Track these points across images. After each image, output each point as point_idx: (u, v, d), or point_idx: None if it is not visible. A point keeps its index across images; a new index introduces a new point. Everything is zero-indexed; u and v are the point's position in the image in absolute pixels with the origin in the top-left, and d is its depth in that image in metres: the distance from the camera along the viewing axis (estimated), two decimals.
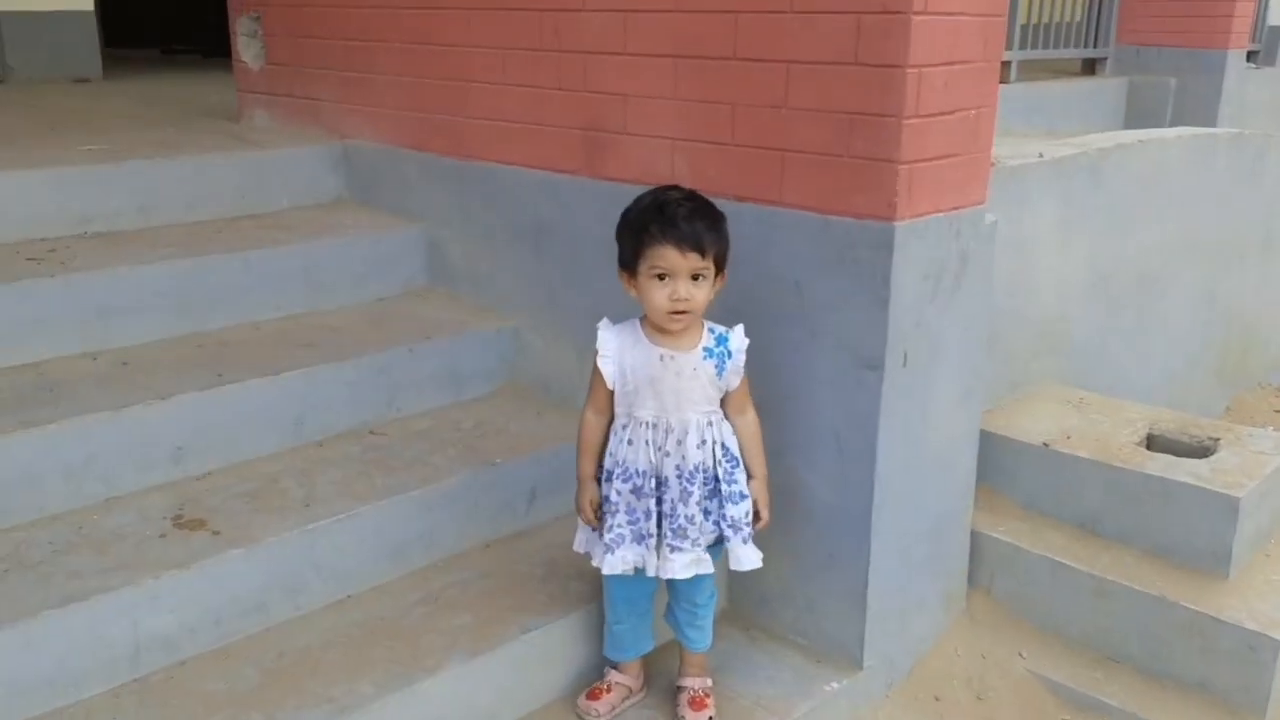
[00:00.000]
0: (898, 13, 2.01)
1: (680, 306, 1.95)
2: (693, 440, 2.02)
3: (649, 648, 2.26)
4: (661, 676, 2.31)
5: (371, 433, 2.66)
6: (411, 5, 3.07)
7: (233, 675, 2.00)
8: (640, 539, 2.05)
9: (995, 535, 2.66)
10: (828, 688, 2.31)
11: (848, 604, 2.36)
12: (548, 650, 2.22)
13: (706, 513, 2.05)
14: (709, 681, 2.23)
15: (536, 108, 2.78)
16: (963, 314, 2.37)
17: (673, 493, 2.03)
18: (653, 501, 2.04)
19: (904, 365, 2.23)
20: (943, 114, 2.13)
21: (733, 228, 2.31)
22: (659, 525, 2.05)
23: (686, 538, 2.04)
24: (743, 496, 2.06)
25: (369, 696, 1.95)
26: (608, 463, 2.08)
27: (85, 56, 5.52)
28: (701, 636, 2.21)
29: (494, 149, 2.94)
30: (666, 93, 2.45)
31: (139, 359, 2.55)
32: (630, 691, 2.23)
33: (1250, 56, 6.68)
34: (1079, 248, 3.16)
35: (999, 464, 2.74)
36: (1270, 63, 7.35)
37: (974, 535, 2.65)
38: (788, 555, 2.42)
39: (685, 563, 2.04)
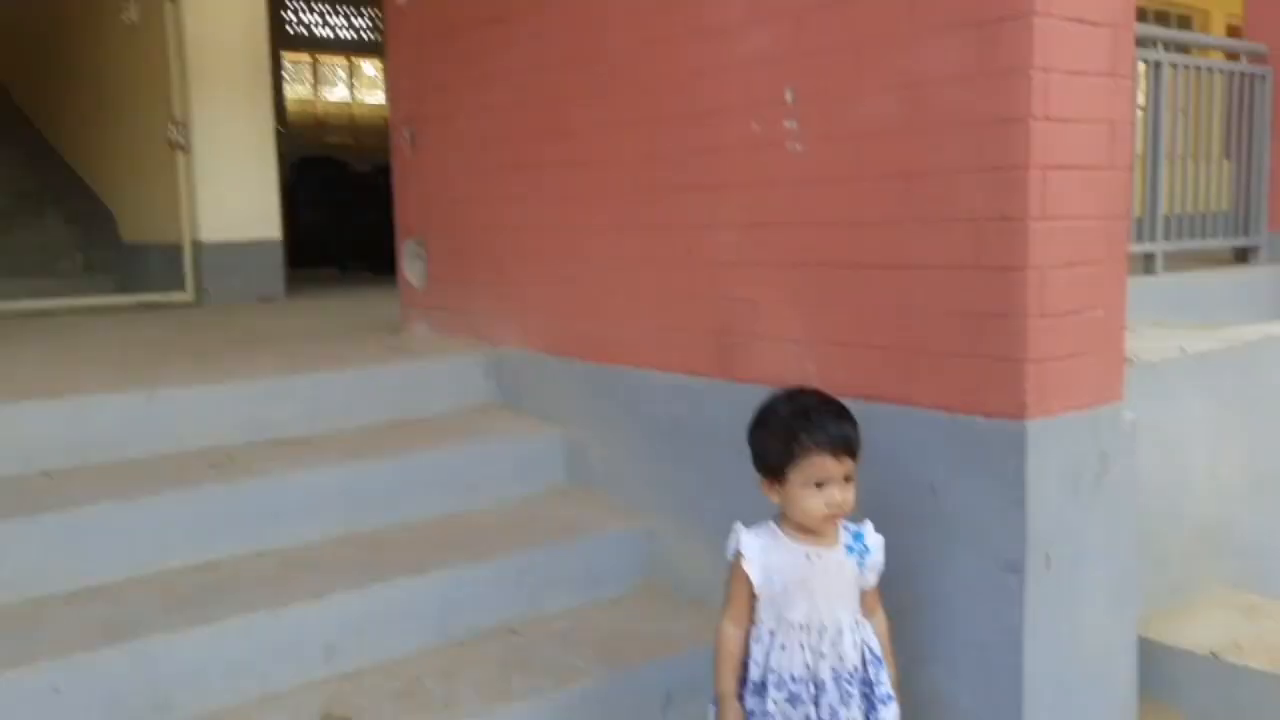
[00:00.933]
0: (1016, 219, 2.08)
1: (837, 512, 1.98)
2: (848, 639, 2.00)
3: None
4: None
5: (512, 632, 2.71)
6: (555, 226, 3.33)
7: None
8: None
9: None
10: None
11: None
12: None
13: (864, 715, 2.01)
14: None
15: (670, 315, 2.93)
16: (1107, 514, 2.30)
17: (830, 697, 1.98)
18: (811, 709, 1.99)
19: (1047, 567, 2.17)
20: (1069, 313, 2.15)
21: (863, 428, 2.35)
22: None
23: None
24: (890, 698, 2.02)
25: None
26: (755, 673, 2.04)
27: (271, 279, 6.11)
28: None
29: (630, 354, 3.08)
30: (794, 299, 2.56)
31: (301, 558, 2.71)
32: None
33: None
34: (1236, 445, 3.03)
35: (1163, 675, 2.57)
36: None
37: None
38: None
39: None
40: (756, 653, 2.04)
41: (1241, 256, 6.29)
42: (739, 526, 2.08)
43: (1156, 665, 2.54)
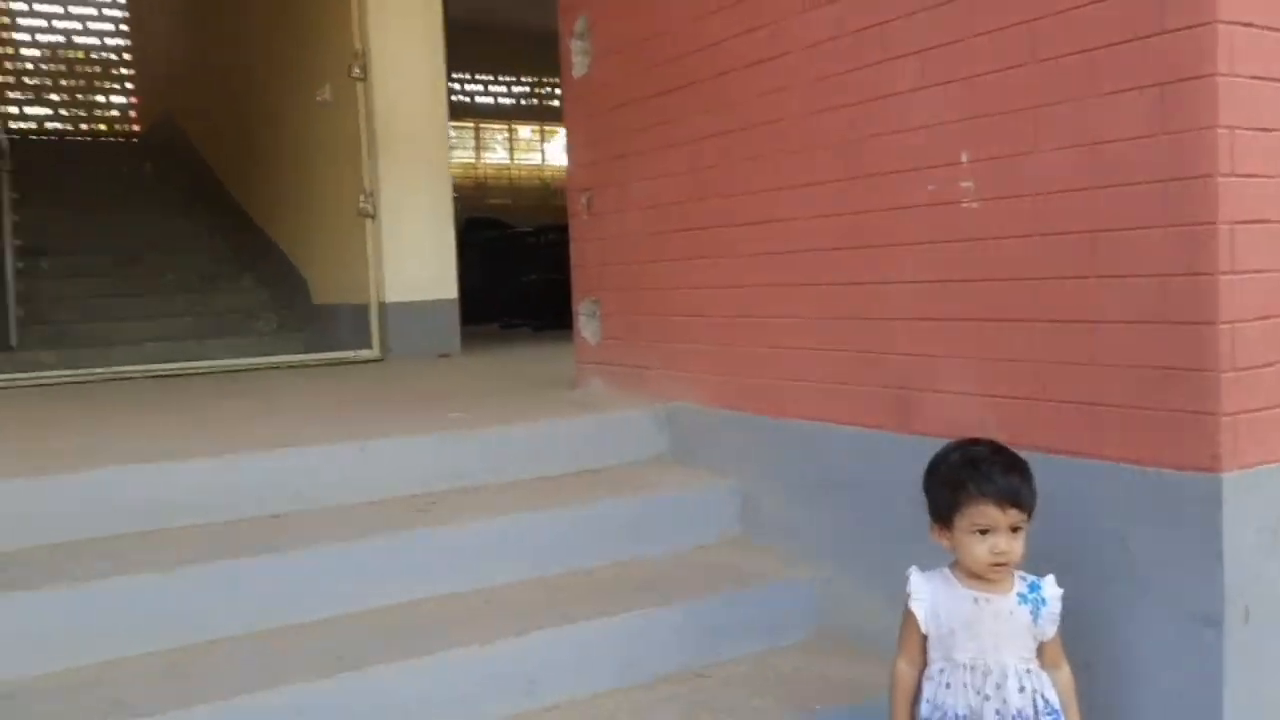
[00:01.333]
0: (1205, 274, 2.10)
1: (1001, 559, 2.04)
2: (1013, 685, 2.03)
3: None
4: None
5: (696, 675, 2.81)
6: (728, 285, 3.47)
7: None
8: None
9: None
10: None
11: None
12: None
13: None
14: None
15: (845, 369, 3.02)
16: None
17: None
18: None
19: (1245, 621, 2.14)
20: (1264, 366, 2.15)
21: (1045, 480, 2.37)
22: None
23: None
24: None
25: None
26: (924, 710, 2.12)
27: (448, 336, 6.49)
28: None
29: (804, 408, 3.18)
30: (973, 353, 2.61)
31: (496, 599, 2.89)
32: None
33: None
34: None
35: None
36: None
37: None
38: None
39: None
40: (927, 690, 2.12)
41: None
42: (913, 569, 2.17)
43: None
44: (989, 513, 2.03)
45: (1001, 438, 2.48)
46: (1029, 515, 2.06)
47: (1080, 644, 2.33)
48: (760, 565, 3.17)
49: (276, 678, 2.39)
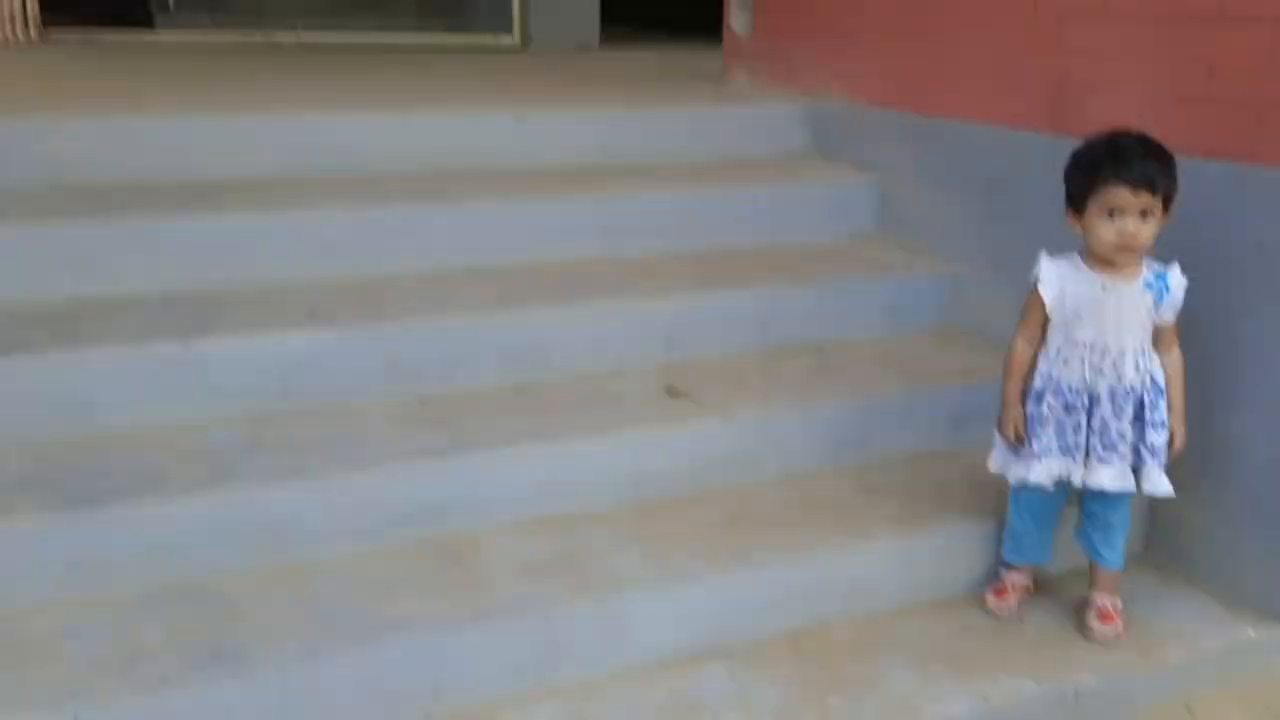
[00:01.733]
0: None
1: (1129, 242, 2.11)
2: (1130, 362, 2.18)
3: (1047, 559, 2.44)
4: (1069, 597, 2.47)
5: (819, 349, 3.04)
6: None
7: (703, 517, 2.45)
8: (1067, 451, 2.24)
9: None
10: (1243, 634, 2.36)
11: (1274, 559, 2.37)
12: (963, 547, 2.48)
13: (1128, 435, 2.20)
14: (1119, 601, 2.37)
15: (1005, 66, 2.98)
16: None
17: (1104, 410, 2.20)
18: (1083, 417, 2.21)
19: None
20: None
21: (1200, 185, 2.40)
22: (1086, 440, 2.22)
23: (1115, 451, 2.20)
24: (1163, 426, 2.20)
25: (816, 550, 2.33)
26: (1038, 383, 2.27)
27: (588, 29, 6.45)
28: (1115, 555, 2.36)
29: (956, 106, 3.18)
30: (1142, 52, 2.57)
31: (643, 265, 3.11)
32: (1028, 589, 2.44)
33: None
34: None
35: None
36: None
37: None
38: (1212, 505, 2.48)
39: (1112, 475, 2.20)
40: (1042, 365, 2.26)
41: None
42: (1043, 252, 2.26)
43: None
44: (1120, 194, 2.09)
45: (1162, 141, 2.50)
46: (1164, 203, 2.11)
47: (1204, 339, 2.41)
48: (892, 258, 3.30)
49: (448, 307, 2.70)
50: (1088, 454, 2.23)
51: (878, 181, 3.51)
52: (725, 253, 3.26)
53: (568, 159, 3.44)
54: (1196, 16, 2.43)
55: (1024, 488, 2.31)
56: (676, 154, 3.61)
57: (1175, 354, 2.24)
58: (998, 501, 2.46)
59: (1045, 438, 2.26)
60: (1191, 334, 2.44)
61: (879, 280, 3.16)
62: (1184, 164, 2.37)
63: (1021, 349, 2.32)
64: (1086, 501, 2.34)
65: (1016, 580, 2.43)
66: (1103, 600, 2.36)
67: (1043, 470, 2.26)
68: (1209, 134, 2.42)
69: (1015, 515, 2.41)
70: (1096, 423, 2.21)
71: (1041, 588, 2.49)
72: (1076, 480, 2.24)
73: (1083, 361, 2.22)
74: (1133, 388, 2.19)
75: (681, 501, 2.51)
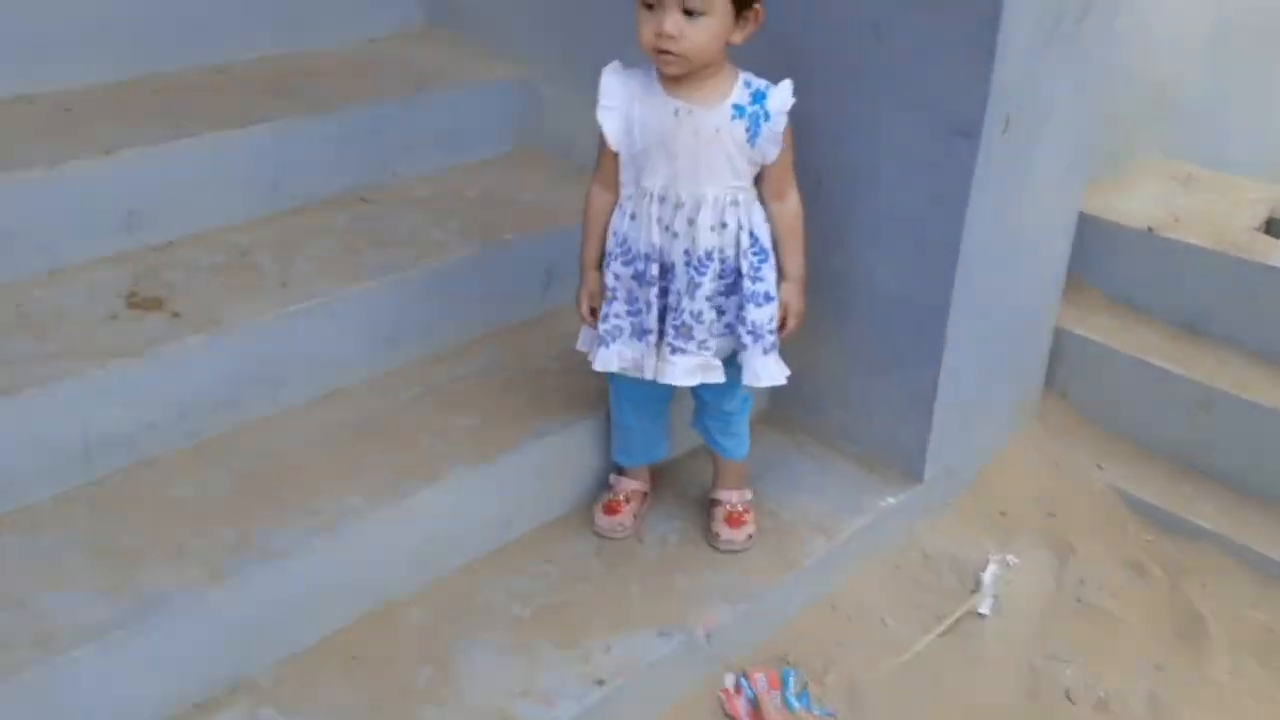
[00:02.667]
0: None
1: (664, 44, 1.52)
2: (706, 219, 1.63)
3: (663, 454, 1.99)
4: (694, 486, 2.04)
5: (361, 200, 2.29)
6: None
7: (202, 480, 1.72)
8: (640, 334, 1.71)
9: (1080, 333, 2.31)
10: (883, 502, 2.04)
11: (910, 409, 2.05)
12: (564, 455, 1.95)
13: (720, 311, 1.70)
14: (748, 494, 1.95)
15: None
16: (1079, 69, 1.93)
17: (679, 283, 1.67)
18: (654, 291, 1.68)
19: (1004, 132, 1.82)
20: None
21: None
22: (661, 321, 1.70)
23: (692, 338, 1.69)
24: (768, 299, 1.70)
25: (358, 509, 1.68)
26: (610, 242, 1.71)
27: None
28: (737, 444, 1.92)
29: None
30: None
31: (84, 104, 2.15)
32: (644, 496, 1.97)
33: None
34: None
35: (1092, 251, 2.35)
36: None
37: (1055, 332, 2.30)
38: (844, 353, 2.10)
39: (688, 368, 1.71)
40: (615, 220, 1.70)
41: None
42: (614, 65, 1.66)
43: (1087, 240, 2.32)
44: None
45: None
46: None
47: (817, 154, 1.94)
48: (448, 64, 2.56)
49: None
50: (661, 339, 1.71)
51: None
52: (213, 75, 2.36)
53: None
54: None
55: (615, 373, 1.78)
56: None
57: (790, 202, 1.70)
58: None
59: (614, 316, 1.72)
60: (801, 144, 1.93)
61: (431, 96, 2.41)
62: None
63: (596, 195, 1.73)
64: (695, 386, 1.85)
65: (630, 488, 1.94)
66: (729, 498, 1.93)
67: (611, 357, 1.73)
68: None
69: (614, 407, 1.90)
70: (672, 299, 1.68)
71: (664, 481, 2.03)
72: (648, 373, 1.72)
73: (652, 217, 1.65)
74: (715, 253, 1.65)
75: (167, 464, 1.75)
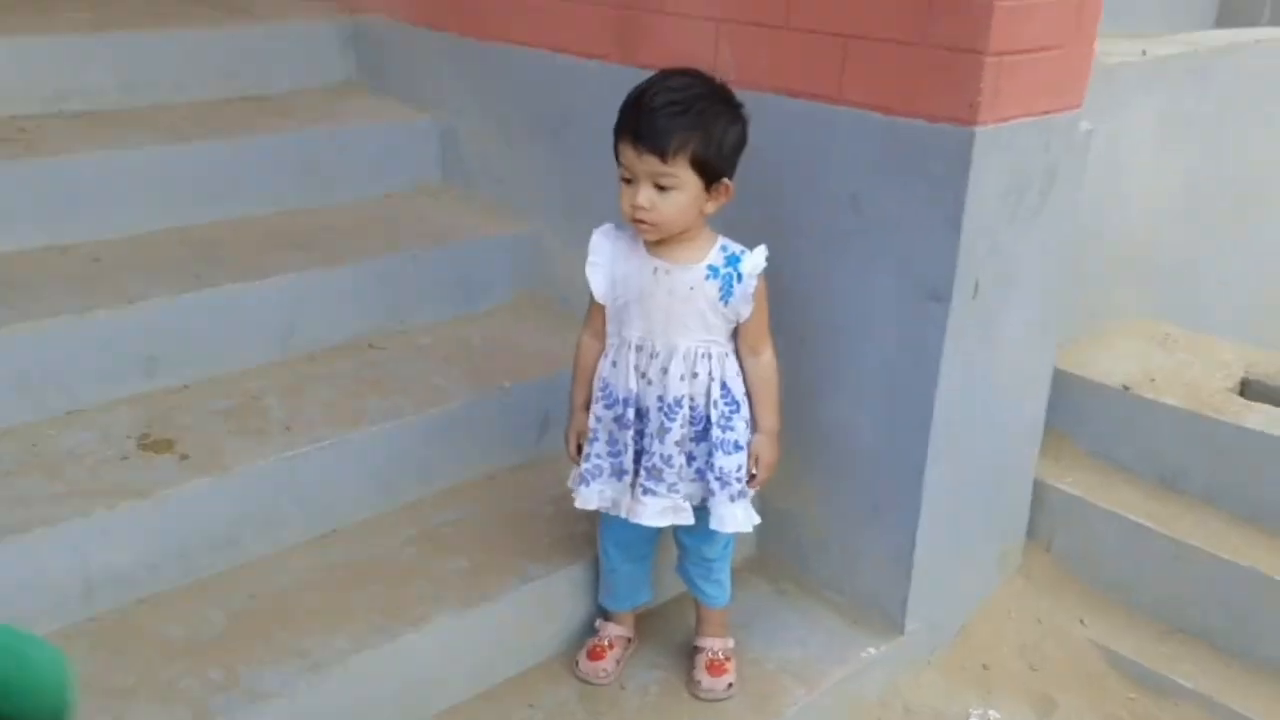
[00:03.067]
0: None
1: (639, 215, 1.65)
2: (677, 369, 1.73)
3: (647, 599, 2.03)
4: (678, 633, 2.07)
5: (370, 346, 2.40)
6: None
7: (195, 619, 1.78)
8: (619, 474, 1.80)
9: (1061, 487, 2.36)
10: (864, 653, 2.06)
11: (891, 560, 2.09)
12: (550, 600, 1.99)
13: (691, 458, 1.78)
14: (730, 643, 1.99)
15: None
16: (1045, 237, 2.04)
17: (652, 427, 1.76)
18: (631, 434, 1.78)
19: (974, 296, 1.92)
20: None
21: (782, 128, 2.02)
22: (636, 462, 1.79)
23: (662, 480, 1.77)
24: (737, 448, 1.77)
25: (344, 651, 1.73)
26: (595, 386, 1.82)
27: None
28: (719, 592, 1.96)
29: (517, 29, 2.60)
30: None
31: (112, 255, 2.30)
32: (629, 642, 2.01)
33: None
34: (1176, 161, 2.77)
35: (1071, 407, 2.43)
36: None
37: (1037, 486, 2.36)
38: (827, 503, 2.16)
39: (659, 509, 1.78)
40: (601, 365, 1.82)
41: None
42: (605, 227, 1.80)
43: (1066, 397, 2.40)
44: (627, 154, 1.64)
45: (738, 74, 2.06)
46: (702, 173, 1.64)
47: (801, 315, 2.07)
48: (459, 219, 2.71)
49: None
50: (635, 479, 1.79)
51: (438, 121, 2.87)
52: (238, 229, 2.51)
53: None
54: None
55: (603, 514, 1.85)
56: (164, 93, 2.76)
57: (765, 358, 1.80)
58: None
59: (595, 456, 1.81)
60: (784, 306, 2.06)
61: (441, 249, 2.54)
62: (764, 101, 1.98)
63: (586, 343, 1.86)
64: (676, 531, 1.91)
65: (615, 634, 1.99)
66: (711, 645, 1.97)
67: (592, 495, 1.82)
68: (792, 69, 2.01)
69: (602, 549, 1.96)
70: (647, 442, 1.77)
71: (649, 626, 2.07)
72: (622, 512, 1.81)
73: (630, 365, 1.76)
74: (683, 400, 1.74)
75: (162, 603, 1.81)
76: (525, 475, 2.26)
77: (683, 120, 1.61)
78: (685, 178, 1.63)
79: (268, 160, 2.60)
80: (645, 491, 1.78)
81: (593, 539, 2.01)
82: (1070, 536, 2.37)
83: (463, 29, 2.76)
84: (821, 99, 1.97)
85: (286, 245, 2.44)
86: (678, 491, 1.78)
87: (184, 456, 1.92)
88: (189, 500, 1.85)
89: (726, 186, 1.69)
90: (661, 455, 1.75)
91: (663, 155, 1.60)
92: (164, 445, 1.96)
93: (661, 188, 1.63)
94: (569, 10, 2.44)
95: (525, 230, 2.68)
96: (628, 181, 1.66)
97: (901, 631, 2.11)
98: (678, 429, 1.74)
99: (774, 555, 2.29)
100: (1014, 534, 2.36)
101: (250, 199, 2.58)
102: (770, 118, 2.01)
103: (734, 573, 2.04)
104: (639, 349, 1.75)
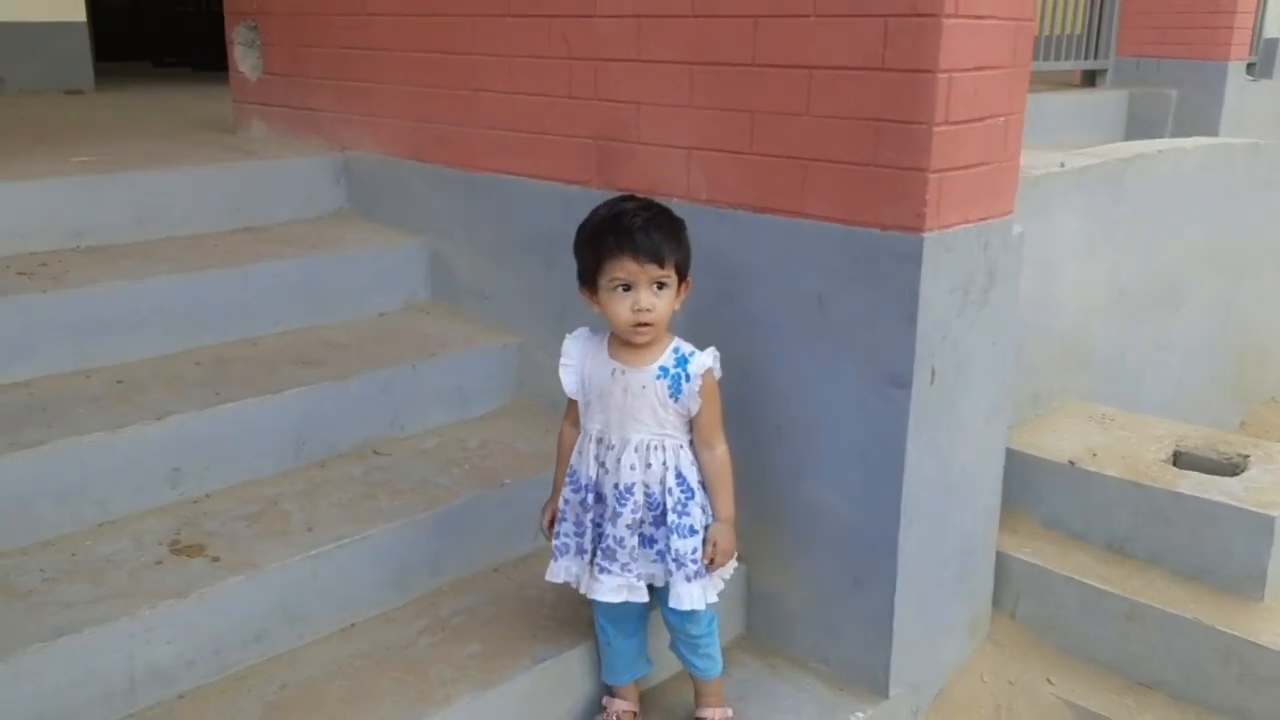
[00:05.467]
0: (928, 15, 1.94)
1: (643, 318, 1.88)
2: (629, 459, 1.93)
3: (645, 671, 2.18)
4: (680, 706, 2.22)
5: (375, 452, 2.57)
6: (415, 13, 2.99)
7: (233, 710, 1.90)
8: (580, 552, 2.01)
9: (1020, 557, 2.57)
10: (853, 717, 2.22)
11: (873, 629, 2.27)
12: (560, 679, 2.13)
13: (650, 541, 1.97)
14: (729, 711, 2.14)
15: (546, 117, 2.70)
16: (990, 328, 2.29)
17: (607, 511, 1.96)
18: (590, 517, 1.99)
19: (931, 382, 2.15)
20: (973, 120, 2.06)
21: (751, 239, 2.27)
22: (595, 543, 1.99)
23: (615, 560, 1.95)
24: (692, 532, 1.95)
25: None
26: (566, 472, 2.04)
27: (78, 68, 5.43)
28: (709, 665, 2.12)
29: (501, 160, 2.86)
30: (682, 100, 2.37)
31: (134, 377, 2.46)
32: (634, 715, 2.15)
33: (1249, 68, 6.63)
34: (1101, 260, 3.09)
35: (1024, 483, 2.66)
36: (1268, 74, 7.30)
37: (999, 557, 2.56)
38: (810, 579, 2.34)
39: (612, 586, 1.96)
40: (572, 454, 2.04)
41: (1090, 80, 6.41)
42: (578, 331, 2.04)
43: (1018, 474, 2.63)
44: (628, 266, 1.86)
45: (709, 194, 2.34)
46: (678, 273, 1.91)
47: (777, 404, 2.29)
48: (451, 332, 2.91)
49: None
50: (593, 559, 1.98)
51: (428, 244, 3.10)
52: (248, 349, 2.69)
53: (18, 247, 2.68)
54: (730, 64, 2.26)
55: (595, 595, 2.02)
56: (174, 227, 2.97)
57: (718, 451, 1.99)
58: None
59: (563, 534, 2.02)
60: (761, 397, 2.30)
61: (436, 361, 2.74)
62: (735, 215, 2.26)
63: (567, 432, 2.08)
64: (663, 610, 2.08)
65: (621, 708, 2.13)
66: (711, 715, 2.12)
67: (559, 570, 2.03)
68: (758, 187, 2.27)
69: (598, 626, 2.12)
70: (608, 526, 1.97)
71: (654, 701, 2.21)
72: (582, 588, 2.00)
73: (591, 454, 1.98)
74: (634, 487, 1.94)
75: (201, 697, 1.93)
76: (528, 565, 2.41)
77: (665, 232, 1.88)
78: (673, 278, 1.89)
79: (272, 285, 2.80)
80: (601, 570, 1.96)
81: (593, 620, 2.16)
82: (1033, 602, 2.56)
83: (448, 161, 3.02)
84: (786, 213, 2.23)
85: (294, 362, 2.62)
86: (631, 571, 1.96)
87: (215, 559, 2.06)
88: (223, 598, 1.98)
89: (689, 282, 1.96)
90: (614, 537, 1.94)
91: (661, 261, 1.85)
92: (195, 549, 2.09)
93: (659, 287, 1.87)
94: (551, 143, 2.70)
95: (514, 341, 2.89)
96: (626, 288, 1.88)
97: (886, 695, 2.26)
98: (629, 513, 1.93)
99: (762, 633, 2.45)
100: (982, 602, 2.55)
101: (258, 321, 2.77)
102: (741, 230, 2.28)
103: (725, 650, 2.20)
104: (599, 440, 1.97)
